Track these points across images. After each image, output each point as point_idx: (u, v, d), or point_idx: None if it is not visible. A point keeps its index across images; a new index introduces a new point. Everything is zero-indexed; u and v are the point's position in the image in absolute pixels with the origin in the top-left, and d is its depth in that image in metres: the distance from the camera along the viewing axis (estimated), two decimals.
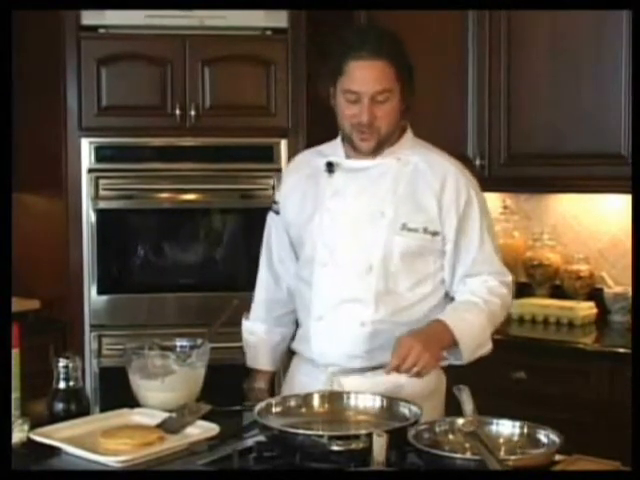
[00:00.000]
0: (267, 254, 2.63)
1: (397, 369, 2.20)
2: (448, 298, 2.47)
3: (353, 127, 2.35)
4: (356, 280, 2.37)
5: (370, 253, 2.36)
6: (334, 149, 2.48)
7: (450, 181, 2.39)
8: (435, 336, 2.28)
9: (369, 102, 2.29)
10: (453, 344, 2.30)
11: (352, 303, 2.37)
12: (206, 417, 2.19)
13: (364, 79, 2.29)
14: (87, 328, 4.02)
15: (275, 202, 2.60)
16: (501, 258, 2.48)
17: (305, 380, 2.45)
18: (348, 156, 2.44)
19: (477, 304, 2.37)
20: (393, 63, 2.30)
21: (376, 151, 2.38)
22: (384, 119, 2.33)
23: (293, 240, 2.54)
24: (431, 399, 2.39)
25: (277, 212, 2.57)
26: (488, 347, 2.40)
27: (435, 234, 2.37)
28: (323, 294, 2.40)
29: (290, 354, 2.63)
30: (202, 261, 4.16)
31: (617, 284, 3.78)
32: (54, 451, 2.02)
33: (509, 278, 2.47)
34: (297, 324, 2.61)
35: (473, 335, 2.33)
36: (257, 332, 2.63)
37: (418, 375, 2.23)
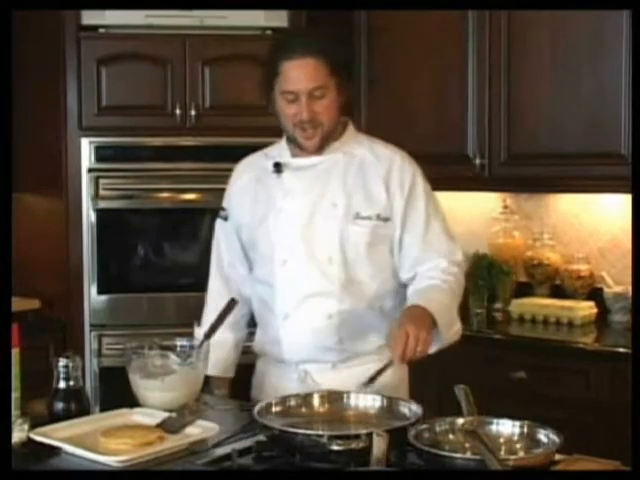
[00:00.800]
0: (217, 261, 2.67)
1: (403, 357, 2.20)
2: (403, 285, 2.49)
3: (295, 126, 2.39)
4: (318, 274, 2.40)
5: (328, 245, 2.40)
6: (279, 150, 2.53)
7: (395, 167, 2.46)
8: (419, 317, 2.29)
9: (307, 99, 2.35)
10: (433, 325, 2.31)
11: (316, 297, 2.41)
12: (206, 417, 2.19)
13: (298, 78, 2.35)
14: (87, 328, 4.02)
15: (223, 209, 2.62)
16: (451, 238, 2.50)
17: (277, 381, 2.47)
18: (294, 155, 2.48)
19: (437, 285, 2.40)
20: (325, 59, 2.36)
21: (321, 148, 2.43)
22: (324, 114, 2.38)
23: (245, 243, 2.56)
24: (399, 389, 2.43)
25: (225, 218, 2.60)
26: (458, 326, 2.43)
27: (387, 220, 2.43)
28: (286, 292, 2.43)
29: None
30: (202, 261, 4.12)
31: (617, 284, 3.78)
32: (54, 451, 2.02)
33: (459, 257, 2.49)
34: (251, 327, 2.62)
35: (445, 314, 2.35)
36: (214, 339, 2.54)
37: (423, 353, 2.23)
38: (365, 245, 2.41)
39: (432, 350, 2.37)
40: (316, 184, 2.44)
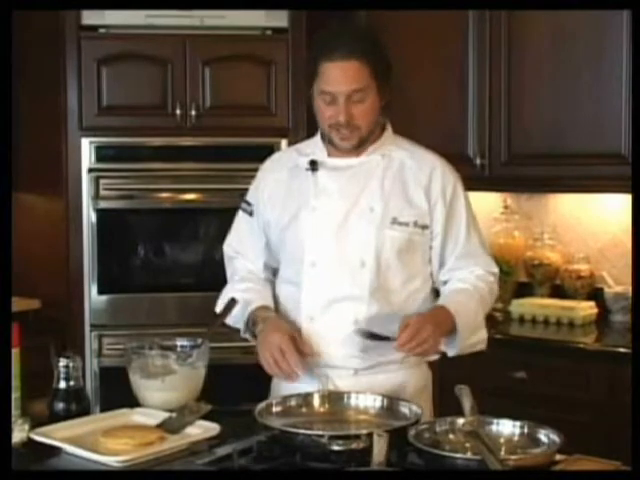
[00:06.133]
0: (236, 244, 2.58)
1: (404, 346, 2.20)
2: (434, 292, 2.48)
3: (331, 128, 2.34)
4: (348, 278, 2.35)
5: (362, 249, 2.34)
6: (314, 148, 2.46)
7: (437, 174, 2.40)
8: (441, 321, 2.29)
9: (345, 102, 2.29)
10: (452, 331, 2.31)
11: (344, 302, 2.35)
12: (206, 417, 2.19)
13: (338, 79, 2.28)
14: (87, 328, 4.02)
15: (248, 203, 2.54)
16: (487, 250, 2.50)
17: (294, 386, 2.34)
18: (330, 154, 2.42)
19: (467, 290, 2.39)
20: (367, 62, 2.29)
21: (358, 148, 2.37)
22: (362, 118, 2.32)
23: (273, 243, 2.49)
24: (424, 396, 2.42)
25: (250, 213, 2.53)
26: (482, 336, 2.40)
27: (424, 227, 2.38)
28: (314, 294, 2.37)
29: None
30: (202, 261, 4.16)
31: (617, 284, 3.78)
32: (54, 451, 2.02)
33: (495, 269, 2.49)
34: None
35: (469, 321, 2.34)
36: (256, 272, 2.52)
37: (421, 355, 2.27)
38: (399, 251, 2.35)
39: (450, 354, 2.38)
40: (353, 186, 2.38)
